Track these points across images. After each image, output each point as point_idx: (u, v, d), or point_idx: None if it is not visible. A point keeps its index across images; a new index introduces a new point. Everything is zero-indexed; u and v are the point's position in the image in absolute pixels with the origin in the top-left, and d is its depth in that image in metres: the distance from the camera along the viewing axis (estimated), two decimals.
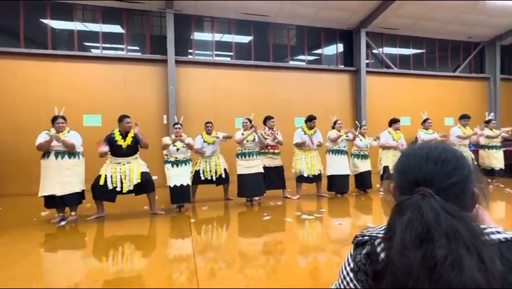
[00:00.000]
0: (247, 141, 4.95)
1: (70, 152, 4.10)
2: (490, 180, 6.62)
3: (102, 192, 4.20)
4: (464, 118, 6.22)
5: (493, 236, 0.61)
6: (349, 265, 0.70)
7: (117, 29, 7.41)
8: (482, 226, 0.62)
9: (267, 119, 5.46)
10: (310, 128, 5.46)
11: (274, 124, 5.47)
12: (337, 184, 5.51)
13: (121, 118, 4.35)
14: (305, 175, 5.30)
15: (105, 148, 4.14)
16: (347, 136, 5.59)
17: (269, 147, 5.37)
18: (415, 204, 0.58)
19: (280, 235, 3.59)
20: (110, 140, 4.26)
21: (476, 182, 0.67)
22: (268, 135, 5.34)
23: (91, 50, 7.26)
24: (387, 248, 0.59)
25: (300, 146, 5.38)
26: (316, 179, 5.46)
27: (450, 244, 0.52)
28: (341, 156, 5.56)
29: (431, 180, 0.63)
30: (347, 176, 5.57)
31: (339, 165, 5.50)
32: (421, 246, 0.53)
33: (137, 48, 7.59)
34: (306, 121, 5.52)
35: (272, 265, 2.66)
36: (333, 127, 5.70)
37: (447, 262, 0.50)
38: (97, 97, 7.03)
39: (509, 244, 0.60)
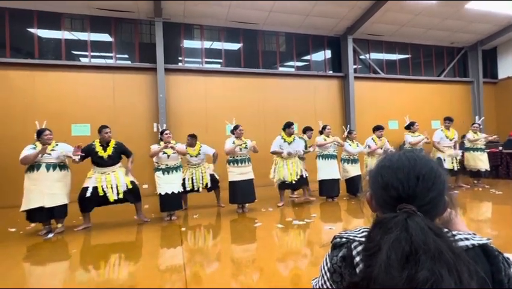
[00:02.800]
0: (240, 149, 4.98)
1: (60, 164, 4.10)
2: (476, 182, 6.78)
3: (89, 204, 4.20)
4: (447, 120, 6.39)
5: (461, 243, 0.62)
6: (326, 265, 0.72)
7: (105, 37, 7.38)
8: (453, 232, 0.64)
9: (307, 130, 5.92)
10: (289, 135, 5.35)
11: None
12: (327, 188, 5.54)
13: (100, 129, 4.32)
14: (287, 181, 5.19)
15: (77, 157, 4.06)
16: (335, 143, 5.64)
17: None
18: (402, 222, 0.59)
19: (272, 241, 3.59)
20: (90, 151, 4.22)
21: (447, 190, 0.69)
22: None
23: (80, 59, 7.21)
24: (369, 264, 0.59)
25: (277, 154, 5.30)
26: (301, 183, 5.37)
27: (434, 266, 0.53)
28: (330, 161, 5.58)
29: (414, 197, 0.64)
30: (337, 180, 5.61)
31: (329, 170, 5.53)
32: (406, 266, 0.54)
33: (126, 56, 7.57)
34: (284, 128, 5.34)
35: (264, 272, 2.66)
36: (321, 133, 5.75)
37: (428, 284, 0.51)
38: (86, 106, 6.96)
39: (476, 251, 0.62)
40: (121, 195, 4.21)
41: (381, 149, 5.84)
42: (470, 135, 6.62)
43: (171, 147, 4.55)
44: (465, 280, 0.53)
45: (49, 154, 4.00)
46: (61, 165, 4.12)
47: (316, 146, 5.62)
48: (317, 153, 5.68)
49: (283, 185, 5.34)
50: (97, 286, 2.54)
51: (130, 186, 4.29)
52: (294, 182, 5.25)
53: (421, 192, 0.65)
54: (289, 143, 5.31)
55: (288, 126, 5.34)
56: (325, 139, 5.58)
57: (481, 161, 6.55)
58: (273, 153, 5.32)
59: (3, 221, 4.97)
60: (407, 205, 0.62)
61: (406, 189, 0.65)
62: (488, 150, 7.11)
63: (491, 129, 10.04)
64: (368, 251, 0.61)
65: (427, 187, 0.65)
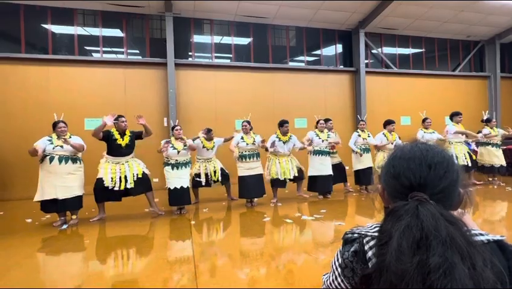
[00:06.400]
0: (247, 144, 4.99)
1: (73, 157, 4.17)
2: (490, 179, 6.60)
3: (105, 195, 4.28)
4: (456, 115, 6.23)
5: (477, 238, 0.62)
6: (337, 260, 0.72)
7: (117, 32, 7.46)
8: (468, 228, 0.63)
9: (326, 121, 5.67)
10: (284, 134, 5.24)
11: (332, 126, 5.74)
12: (318, 185, 5.40)
13: (117, 118, 4.42)
14: (281, 178, 5.12)
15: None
16: (328, 137, 5.53)
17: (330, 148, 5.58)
18: (413, 210, 0.58)
19: (280, 236, 3.60)
20: (109, 137, 4.32)
21: (462, 182, 0.68)
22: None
23: (92, 54, 7.31)
24: (381, 253, 0.59)
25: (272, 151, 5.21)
26: (295, 179, 5.31)
27: (446, 252, 0.52)
28: (322, 157, 5.41)
29: (425, 185, 0.64)
30: (329, 176, 5.44)
31: (321, 166, 5.37)
32: (417, 252, 0.53)
33: (137, 51, 7.64)
34: (279, 126, 5.25)
35: (272, 266, 2.67)
36: (316, 127, 5.63)
37: (441, 270, 0.51)
38: (98, 101, 7.07)
39: (492, 246, 0.62)
40: (132, 184, 4.28)
41: (392, 144, 5.71)
42: (487, 131, 6.43)
43: (184, 144, 4.67)
44: (479, 268, 0.52)
45: (61, 146, 4.08)
46: (74, 158, 4.20)
47: (307, 141, 5.43)
48: (310, 148, 5.50)
49: (275, 183, 5.25)
50: (109, 276, 2.60)
51: (141, 176, 4.37)
52: (287, 181, 5.20)
53: (432, 180, 0.64)
54: (284, 142, 5.23)
55: (281, 124, 5.24)
56: (318, 135, 5.46)
57: (496, 157, 6.37)
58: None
59: (20, 212, 5.14)
60: (418, 193, 0.62)
61: (418, 178, 0.64)
62: (505, 147, 6.91)
63: (508, 125, 9.71)
64: (380, 241, 0.60)
65: (439, 176, 0.64)
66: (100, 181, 4.23)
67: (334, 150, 5.77)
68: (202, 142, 5.32)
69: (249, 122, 5.14)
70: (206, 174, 5.22)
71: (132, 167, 4.36)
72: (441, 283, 0.50)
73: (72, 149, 4.13)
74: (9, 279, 2.53)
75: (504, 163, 6.43)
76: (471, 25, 9.08)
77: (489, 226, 3.65)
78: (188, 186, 4.67)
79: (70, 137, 4.23)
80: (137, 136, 4.55)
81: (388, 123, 5.94)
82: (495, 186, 6.14)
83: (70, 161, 4.14)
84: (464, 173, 0.70)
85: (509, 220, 4.01)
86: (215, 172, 5.27)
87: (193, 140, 5.01)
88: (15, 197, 6.33)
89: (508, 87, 10.41)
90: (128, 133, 4.46)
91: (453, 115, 6.26)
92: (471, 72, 10.16)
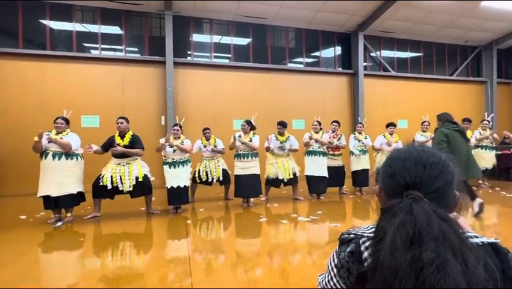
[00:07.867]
0: (242, 143, 4.99)
1: (67, 153, 4.10)
2: (480, 182, 6.60)
3: (101, 192, 4.27)
4: (465, 121, 6.27)
5: (472, 240, 0.63)
6: (333, 261, 0.73)
7: (116, 30, 7.43)
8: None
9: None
10: (280, 134, 5.31)
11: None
12: (313, 185, 5.49)
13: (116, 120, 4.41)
14: (280, 178, 5.19)
15: (95, 148, 4.31)
16: (322, 135, 5.54)
17: (329, 149, 5.67)
18: (407, 207, 0.60)
19: (276, 236, 3.60)
20: (111, 142, 4.33)
21: (457, 185, 0.69)
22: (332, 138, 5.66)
23: (90, 51, 7.28)
24: (376, 249, 0.60)
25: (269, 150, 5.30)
26: (290, 182, 5.34)
27: (438, 248, 0.53)
28: (316, 158, 5.46)
29: (420, 184, 0.65)
30: (323, 177, 5.47)
31: (315, 167, 5.43)
32: (411, 248, 0.54)
33: (136, 49, 7.62)
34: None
35: (267, 266, 2.67)
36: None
37: (434, 265, 0.52)
38: (96, 98, 7.04)
39: (486, 248, 0.63)
40: (131, 188, 4.26)
41: (390, 145, 5.75)
42: (478, 133, 6.51)
43: (171, 144, 4.59)
44: (471, 265, 0.53)
45: (54, 143, 4.02)
46: (69, 155, 4.12)
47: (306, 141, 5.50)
48: (305, 149, 5.60)
49: (270, 181, 5.33)
50: (103, 274, 2.58)
51: (141, 180, 4.30)
52: (285, 180, 5.23)
53: (427, 180, 0.66)
54: (281, 142, 5.28)
55: (277, 124, 5.35)
56: (311, 135, 5.49)
57: (484, 159, 6.39)
58: (267, 149, 5.32)
59: (15, 208, 5.09)
60: (413, 191, 0.64)
61: (413, 177, 0.66)
62: (500, 152, 6.97)
63: (504, 129, 9.81)
64: (375, 238, 0.62)
65: (434, 176, 0.66)
66: (99, 178, 4.24)
67: (338, 152, 5.82)
68: (202, 142, 5.41)
69: (250, 122, 5.13)
70: (206, 173, 5.28)
71: (132, 170, 4.31)
72: (434, 278, 0.51)
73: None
74: (4, 275, 2.50)
75: (490, 166, 6.47)
76: (469, 31, 9.17)
77: (484, 230, 3.68)
78: (186, 185, 4.65)
79: (68, 133, 4.19)
80: (134, 143, 4.38)
81: (387, 126, 6.01)
82: (490, 191, 6.18)
83: (64, 157, 4.06)
84: (459, 176, 0.71)
85: (504, 225, 4.04)
86: (216, 171, 5.33)
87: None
88: (9, 194, 6.28)
89: (504, 92, 10.51)
90: (128, 135, 4.40)
91: (462, 121, 6.30)
92: (468, 77, 10.25)
